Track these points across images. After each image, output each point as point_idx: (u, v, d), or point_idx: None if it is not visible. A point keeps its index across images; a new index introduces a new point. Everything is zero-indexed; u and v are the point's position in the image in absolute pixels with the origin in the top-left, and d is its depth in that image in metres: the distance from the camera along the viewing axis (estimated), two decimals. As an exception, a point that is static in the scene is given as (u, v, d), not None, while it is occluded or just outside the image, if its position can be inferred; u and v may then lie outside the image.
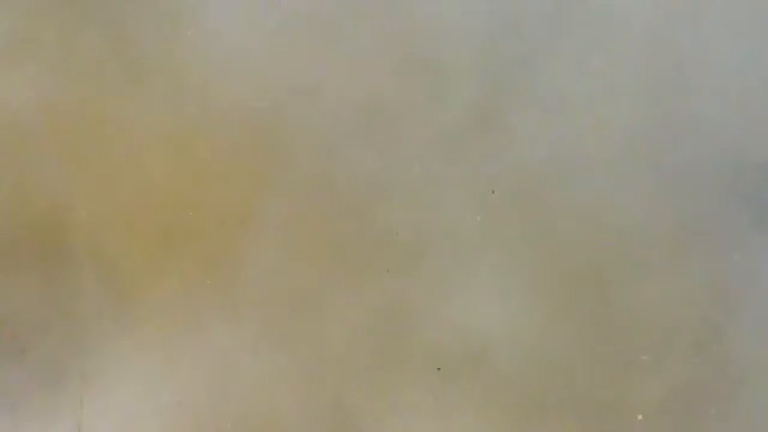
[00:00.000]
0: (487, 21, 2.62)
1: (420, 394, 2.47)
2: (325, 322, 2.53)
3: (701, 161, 2.54)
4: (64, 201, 2.56)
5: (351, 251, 2.54)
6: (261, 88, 2.59)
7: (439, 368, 2.47)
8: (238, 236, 2.55)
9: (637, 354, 2.42)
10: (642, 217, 2.52)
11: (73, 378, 2.47)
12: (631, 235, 2.51)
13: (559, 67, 2.61)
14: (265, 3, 2.63)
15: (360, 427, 2.48)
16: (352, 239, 2.55)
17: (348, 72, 2.60)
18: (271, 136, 2.59)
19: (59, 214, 2.57)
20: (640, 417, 2.33)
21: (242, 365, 2.49)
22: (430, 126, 2.60)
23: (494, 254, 2.54)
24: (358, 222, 2.55)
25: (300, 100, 2.59)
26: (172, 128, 2.59)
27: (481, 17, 2.61)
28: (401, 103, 2.60)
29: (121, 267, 2.55)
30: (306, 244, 2.53)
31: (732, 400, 2.40)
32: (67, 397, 2.46)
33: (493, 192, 2.56)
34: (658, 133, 2.58)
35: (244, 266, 2.53)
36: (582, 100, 2.58)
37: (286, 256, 2.54)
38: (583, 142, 2.57)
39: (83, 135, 2.61)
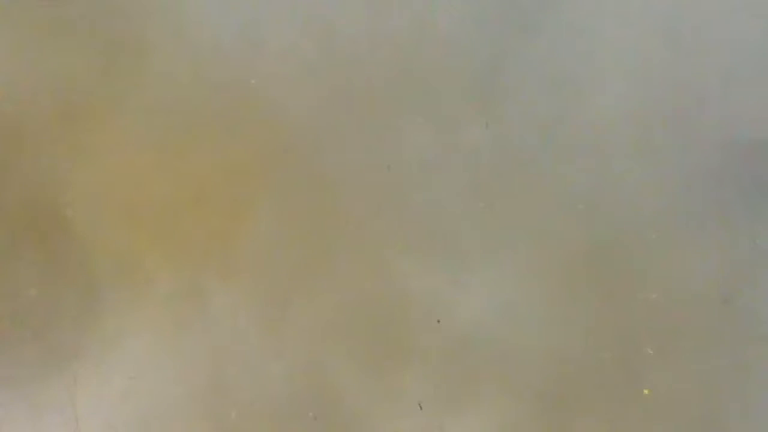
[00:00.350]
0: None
1: (410, 376, 2.48)
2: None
3: (700, 137, 2.59)
4: (62, 180, 2.58)
5: (348, 222, 2.57)
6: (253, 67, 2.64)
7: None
8: (237, 208, 2.57)
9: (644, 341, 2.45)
10: (646, 192, 2.57)
11: (68, 355, 2.47)
12: (640, 211, 2.56)
13: (552, 49, 2.66)
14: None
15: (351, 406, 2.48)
16: (348, 212, 2.57)
17: (342, 44, 2.65)
18: (265, 110, 2.63)
19: (57, 191, 2.58)
20: (646, 392, 2.38)
21: (244, 347, 2.49)
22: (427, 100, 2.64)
23: (495, 235, 2.57)
24: (355, 195, 2.58)
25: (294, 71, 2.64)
26: (170, 106, 2.63)
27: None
28: (395, 74, 2.65)
29: (119, 248, 2.55)
30: (301, 215, 2.56)
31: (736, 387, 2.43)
32: (61, 375, 2.46)
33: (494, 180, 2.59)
34: (655, 111, 2.63)
35: (244, 235, 2.54)
36: (576, 79, 2.63)
37: (284, 226, 2.56)
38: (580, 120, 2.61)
39: (84, 116, 2.63)
